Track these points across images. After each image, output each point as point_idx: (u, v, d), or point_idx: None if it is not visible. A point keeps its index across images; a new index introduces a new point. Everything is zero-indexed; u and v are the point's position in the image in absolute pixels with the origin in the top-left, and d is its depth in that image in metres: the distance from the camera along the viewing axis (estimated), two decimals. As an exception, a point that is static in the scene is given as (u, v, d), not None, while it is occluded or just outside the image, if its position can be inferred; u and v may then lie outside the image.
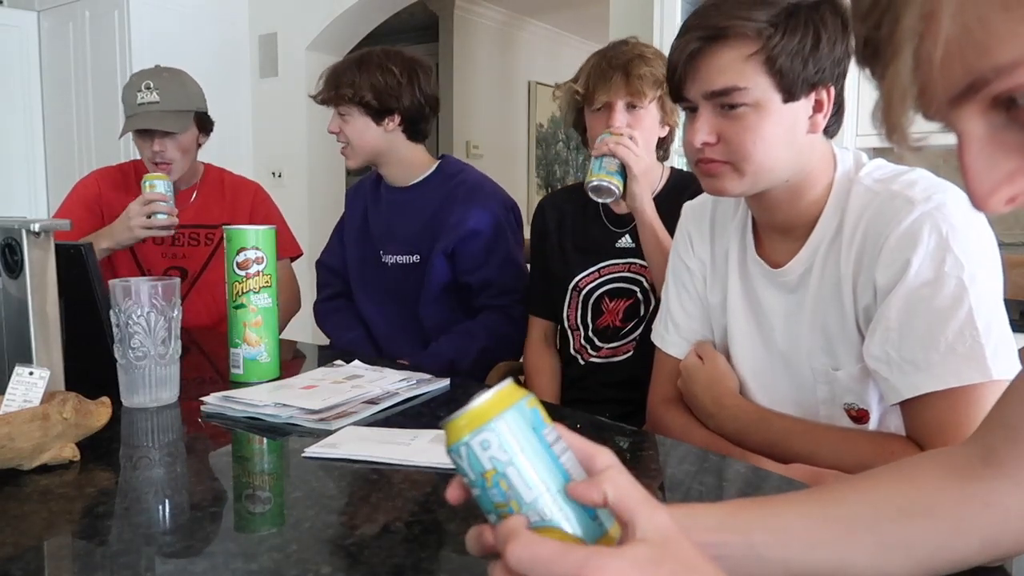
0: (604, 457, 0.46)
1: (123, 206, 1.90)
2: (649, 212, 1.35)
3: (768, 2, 0.88)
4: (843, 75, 0.92)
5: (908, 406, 0.85)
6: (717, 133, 0.92)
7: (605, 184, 1.34)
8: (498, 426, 0.44)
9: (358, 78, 1.63)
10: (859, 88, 2.15)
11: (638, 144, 1.34)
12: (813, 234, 0.95)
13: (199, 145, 1.93)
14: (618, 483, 0.43)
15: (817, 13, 0.88)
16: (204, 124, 1.91)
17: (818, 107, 0.92)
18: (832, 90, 0.92)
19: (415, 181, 1.74)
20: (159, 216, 1.65)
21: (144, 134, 1.81)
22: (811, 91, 0.91)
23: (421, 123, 1.71)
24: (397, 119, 1.66)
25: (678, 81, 0.93)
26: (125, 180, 1.94)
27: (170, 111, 1.79)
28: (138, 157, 2.00)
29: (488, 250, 1.66)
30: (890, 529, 0.54)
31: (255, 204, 1.99)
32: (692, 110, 0.94)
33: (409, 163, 1.73)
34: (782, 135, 0.91)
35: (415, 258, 1.71)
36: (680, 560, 0.42)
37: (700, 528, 0.50)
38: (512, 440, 0.44)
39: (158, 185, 1.66)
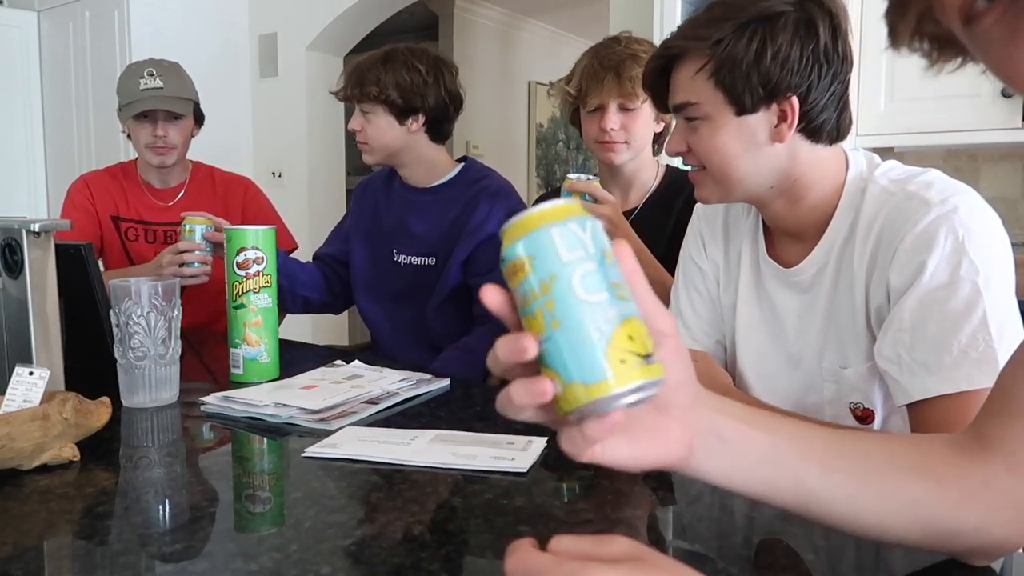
0: (665, 321, 0.45)
1: (115, 208, 1.90)
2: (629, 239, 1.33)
3: (726, 18, 0.89)
4: (817, 83, 0.90)
5: (916, 408, 0.85)
6: (687, 143, 0.98)
7: None
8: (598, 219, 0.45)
9: (383, 76, 1.58)
10: (859, 88, 2.15)
11: (625, 141, 1.40)
12: (826, 234, 0.95)
13: (192, 136, 1.94)
14: (569, 551, 0.42)
15: (769, 25, 0.88)
16: (198, 116, 1.94)
17: (782, 117, 0.91)
18: (795, 100, 0.90)
19: (437, 183, 1.71)
20: (192, 265, 1.58)
21: (145, 120, 1.82)
22: (770, 102, 0.90)
23: (445, 123, 1.68)
24: (421, 119, 1.62)
25: (653, 96, 1.03)
26: (115, 182, 1.94)
27: (175, 96, 1.82)
28: (128, 159, 2.00)
29: (499, 256, 1.63)
30: (900, 481, 0.55)
31: (247, 199, 1.99)
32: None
33: (431, 164, 1.70)
34: (739, 147, 0.93)
35: (430, 260, 1.68)
36: (665, 571, 0.42)
37: (728, 414, 0.50)
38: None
39: (196, 231, 1.58)
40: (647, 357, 0.42)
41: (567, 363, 0.41)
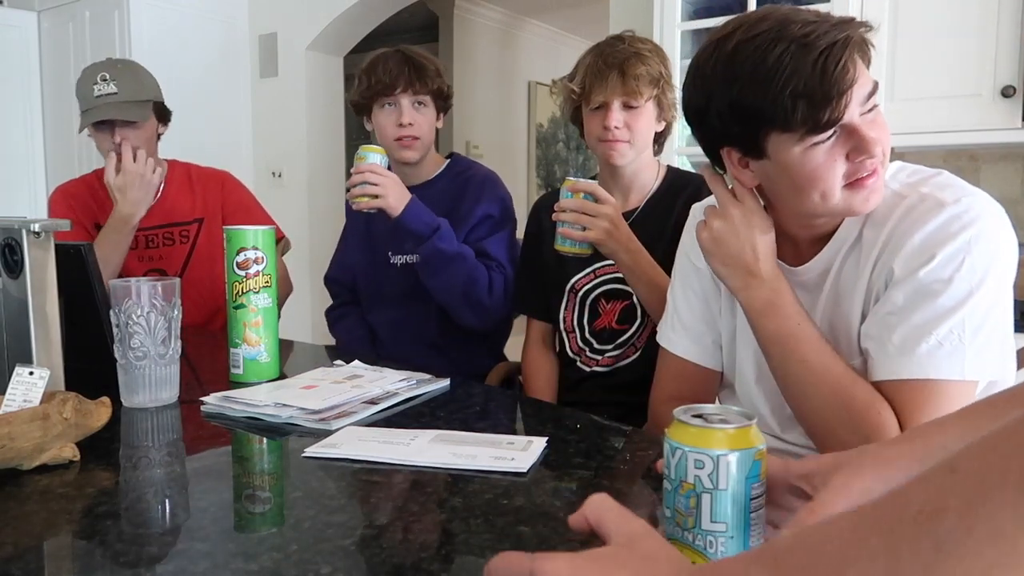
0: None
1: (95, 217, 1.86)
2: (626, 260, 1.32)
3: (815, 12, 0.86)
4: None
5: (886, 385, 0.88)
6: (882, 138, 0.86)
7: (572, 256, 1.36)
8: (721, 458, 0.49)
9: (430, 68, 1.64)
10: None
11: (627, 140, 1.39)
12: (836, 235, 0.95)
13: (159, 136, 1.89)
14: (595, 505, 0.50)
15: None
16: (162, 114, 1.89)
17: None
18: None
19: (426, 179, 1.74)
20: (363, 185, 1.49)
21: (103, 126, 1.77)
22: None
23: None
24: (444, 112, 1.72)
25: (841, 108, 0.82)
26: (91, 191, 1.91)
27: (130, 101, 1.76)
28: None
29: (490, 231, 1.68)
30: None
31: (225, 194, 1.96)
32: (830, 137, 0.84)
33: (430, 159, 1.75)
34: None
35: None
36: (643, 556, 0.44)
37: (884, 478, 0.52)
38: (724, 477, 0.49)
39: (367, 157, 1.51)
40: None
41: None
